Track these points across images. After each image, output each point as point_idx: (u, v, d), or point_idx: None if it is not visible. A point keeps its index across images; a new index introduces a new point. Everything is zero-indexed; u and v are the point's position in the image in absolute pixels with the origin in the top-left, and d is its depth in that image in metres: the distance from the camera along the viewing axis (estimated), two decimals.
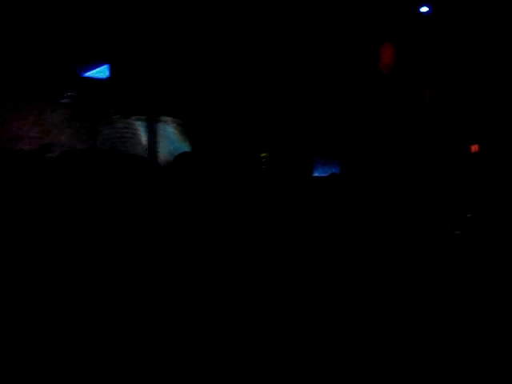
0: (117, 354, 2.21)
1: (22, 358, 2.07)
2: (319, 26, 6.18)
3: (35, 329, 2.40)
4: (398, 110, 6.01)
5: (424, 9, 6.14)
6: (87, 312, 2.72)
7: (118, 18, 4.86)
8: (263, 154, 6.79)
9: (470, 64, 6.14)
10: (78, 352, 2.18)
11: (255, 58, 6.17)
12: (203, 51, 5.74)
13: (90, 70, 5.24)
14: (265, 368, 2.13)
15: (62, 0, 4.32)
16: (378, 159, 5.84)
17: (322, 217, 4.56)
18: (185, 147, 5.78)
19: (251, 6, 5.75)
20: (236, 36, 5.87)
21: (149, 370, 2.06)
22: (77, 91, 4.72)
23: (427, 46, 6.17)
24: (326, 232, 4.42)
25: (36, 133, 4.36)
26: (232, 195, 4.44)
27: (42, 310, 2.65)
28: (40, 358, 2.10)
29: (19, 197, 3.59)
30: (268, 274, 3.63)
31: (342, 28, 6.22)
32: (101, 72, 5.60)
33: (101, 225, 3.57)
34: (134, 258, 3.43)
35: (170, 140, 5.66)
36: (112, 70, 5.10)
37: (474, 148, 6.25)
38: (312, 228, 4.42)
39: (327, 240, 4.33)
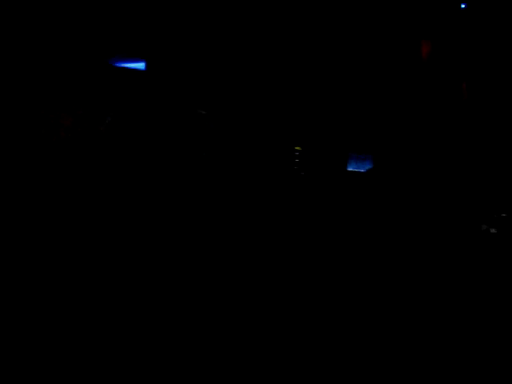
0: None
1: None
2: (355, 20, 6.17)
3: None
4: (435, 107, 5.96)
5: (463, 4, 6.03)
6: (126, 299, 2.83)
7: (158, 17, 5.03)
8: (297, 148, 6.88)
9: (510, 62, 5.98)
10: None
11: (293, 51, 6.23)
12: (240, 47, 5.86)
13: (128, 62, 5.41)
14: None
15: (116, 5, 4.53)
16: (413, 156, 5.82)
17: (357, 212, 4.60)
18: (220, 140, 5.93)
19: (296, 4, 5.81)
20: (269, 32, 5.95)
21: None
22: (115, 82, 4.66)
23: (466, 43, 6.05)
24: (362, 227, 4.47)
25: (78, 121, 4.36)
26: (266, 189, 4.54)
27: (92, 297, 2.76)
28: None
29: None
30: (303, 269, 3.72)
31: (378, 23, 6.18)
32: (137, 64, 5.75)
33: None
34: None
35: (204, 133, 5.83)
36: (148, 65, 5.27)
37: None
38: (348, 223, 4.47)
39: (363, 236, 4.38)
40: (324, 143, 6.35)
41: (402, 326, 2.77)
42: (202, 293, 3.08)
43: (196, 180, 4.30)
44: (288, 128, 6.41)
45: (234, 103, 6.00)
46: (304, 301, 3.07)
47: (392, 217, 4.57)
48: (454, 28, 6.06)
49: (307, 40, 6.26)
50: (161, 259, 3.52)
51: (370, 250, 4.13)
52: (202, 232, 3.90)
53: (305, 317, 2.85)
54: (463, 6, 6.03)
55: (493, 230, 5.06)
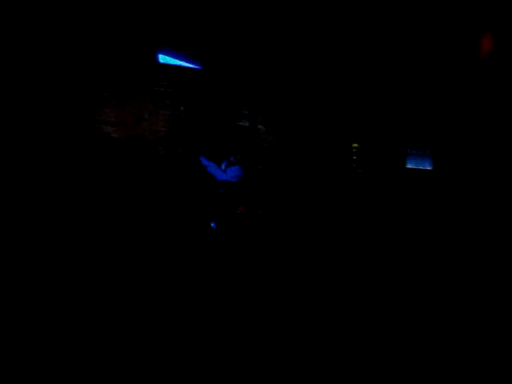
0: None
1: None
2: (413, 16, 6.08)
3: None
4: (497, 104, 5.74)
5: None
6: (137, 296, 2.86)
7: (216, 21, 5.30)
8: (354, 145, 6.94)
9: None
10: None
11: (354, 49, 6.29)
12: (297, 47, 6.02)
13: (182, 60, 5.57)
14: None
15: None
16: (474, 154, 5.67)
17: (416, 210, 4.60)
18: (276, 140, 6.12)
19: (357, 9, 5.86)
20: (329, 32, 6.05)
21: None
22: (170, 79, 4.78)
23: None
24: (420, 224, 4.46)
25: (132, 120, 4.57)
26: (325, 186, 4.67)
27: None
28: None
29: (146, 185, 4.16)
30: (357, 264, 3.80)
31: (436, 17, 6.04)
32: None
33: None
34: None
35: (259, 136, 6.00)
36: (204, 64, 5.42)
37: None
38: (406, 220, 4.48)
39: (421, 234, 4.38)
40: (382, 140, 6.33)
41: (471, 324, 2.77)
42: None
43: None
44: (346, 125, 6.47)
45: (293, 103, 6.18)
46: (364, 296, 3.12)
47: (451, 215, 4.52)
48: None
49: (366, 41, 6.27)
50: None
51: (428, 248, 4.12)
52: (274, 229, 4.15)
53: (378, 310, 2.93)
54: None
55: None
